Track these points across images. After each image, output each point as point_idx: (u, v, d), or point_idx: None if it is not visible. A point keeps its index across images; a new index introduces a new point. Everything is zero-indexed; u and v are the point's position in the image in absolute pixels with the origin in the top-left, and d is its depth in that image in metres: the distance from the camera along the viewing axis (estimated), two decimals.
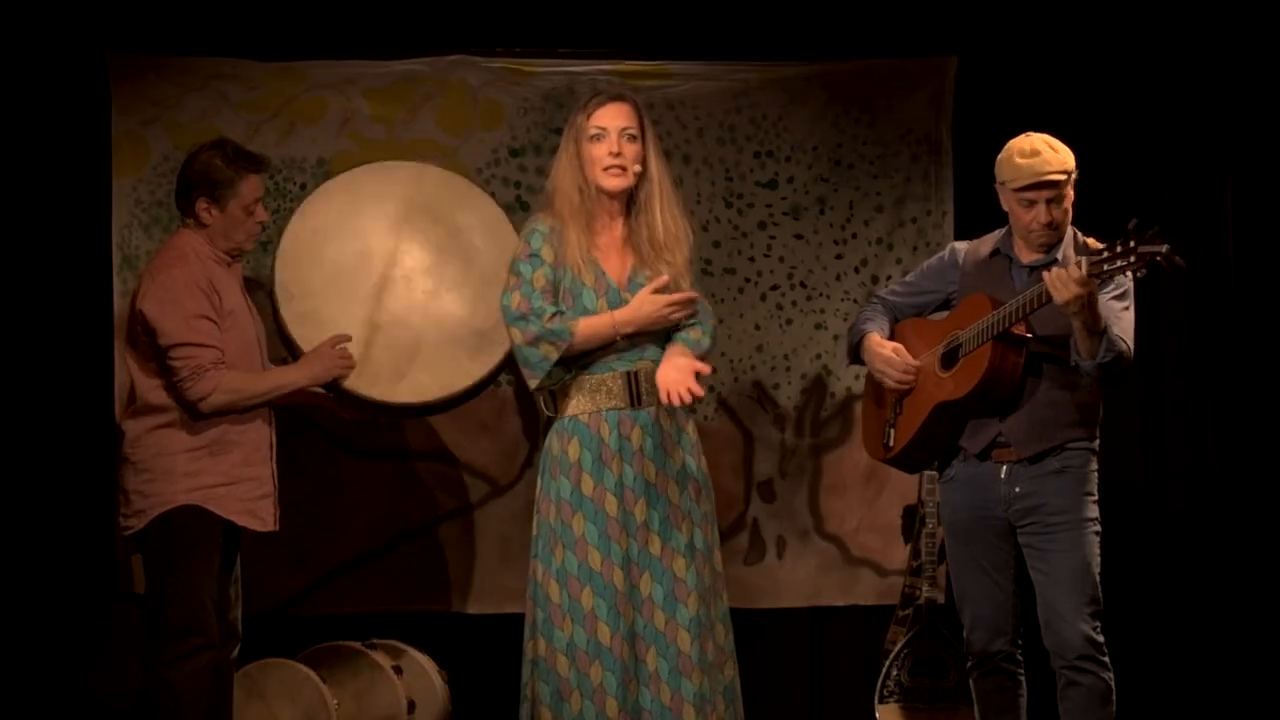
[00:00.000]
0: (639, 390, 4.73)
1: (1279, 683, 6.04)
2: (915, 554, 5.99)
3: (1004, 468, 4.82)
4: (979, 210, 6.14)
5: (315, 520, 6.07)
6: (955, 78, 6.32)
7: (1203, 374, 6.29)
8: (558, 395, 4.78)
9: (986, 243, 4.99)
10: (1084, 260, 4.48)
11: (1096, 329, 4.60)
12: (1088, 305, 4.53)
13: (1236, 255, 6.24)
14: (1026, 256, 4.86)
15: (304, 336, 5.19)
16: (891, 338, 5.08)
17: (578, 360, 4.74)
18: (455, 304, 5.29)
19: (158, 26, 6.04)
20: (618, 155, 4.73)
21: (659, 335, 4.78)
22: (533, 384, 4.74)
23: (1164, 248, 4.37)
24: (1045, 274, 4.59)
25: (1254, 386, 6.21)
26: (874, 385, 5.14)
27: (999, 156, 4.83)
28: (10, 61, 5.93)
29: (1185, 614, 6.21)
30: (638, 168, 4.76)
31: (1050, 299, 4.55)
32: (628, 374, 4.73)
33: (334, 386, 5.19)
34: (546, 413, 4.82)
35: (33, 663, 5.60)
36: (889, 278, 6.28)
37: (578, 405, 4.75)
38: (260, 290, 5.50)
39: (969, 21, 6.28)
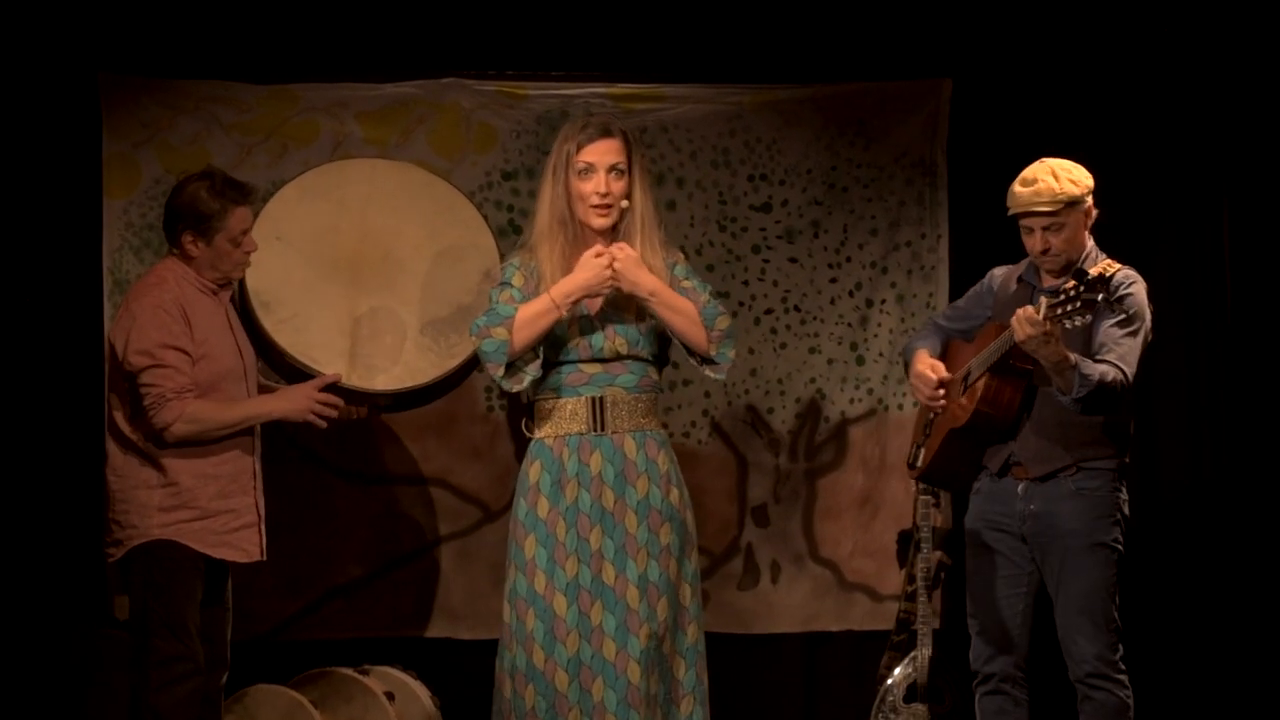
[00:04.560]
0: (602, 416, 4.72)
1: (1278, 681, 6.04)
2: (910, 579, 5.97)
3: (1021, 484, 4.88)
4: (974, 234, 6.18)
5: (307, 545, 6.06)
6: (950, 100, 6.32)
7: (1198, 369, 6.29)
8: (536, 418, 4.78)
9: (1018, 269, 5.01)
10: (1043, 302, 4.51)
11: (1062, 366, 4.61)
12: (1045, 344, 4.54)
13: (1233, 265, 6.23)
14: (1049, 282, 4.87)
15: (291, 343, 5.18)
16: (942, 358, 5.10)
17: (550, 379, 4.75)
18: (428, 286, 5.28)
19: (150, 49, 6.04)
20: (605, 195, 4.73)
21: (632, 361, 4.76)
22: (497, 375, 4.70)
23: (1099, 297, 4.42)
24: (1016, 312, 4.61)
25: (1250, 384, 6.21)
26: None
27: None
28: (1, 83, 5.91)
29: (1182, 611, 6.19)
30: (624, 203, 4.76)
31: None
32: (593, 399, 4.73)
33: (337, 389, 5.15)
34: (527, 435, 4.82)
35: (26, 690, 5.58)
36: (883, 301, 6.28)
37: (546, 428, 4.77)
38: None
39: (963, 44, 6.28)
